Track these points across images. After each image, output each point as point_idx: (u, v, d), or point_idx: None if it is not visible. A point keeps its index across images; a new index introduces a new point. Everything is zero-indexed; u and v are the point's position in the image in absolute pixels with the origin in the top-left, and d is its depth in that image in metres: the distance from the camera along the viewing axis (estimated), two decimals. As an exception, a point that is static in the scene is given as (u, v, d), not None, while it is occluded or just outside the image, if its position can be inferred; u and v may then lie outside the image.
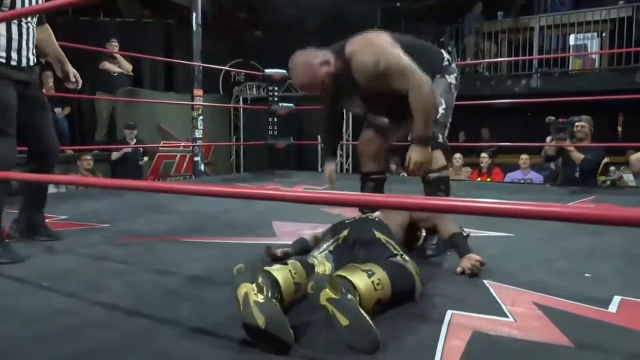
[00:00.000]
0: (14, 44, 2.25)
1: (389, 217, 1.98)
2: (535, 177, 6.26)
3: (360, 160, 2.44)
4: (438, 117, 2.12)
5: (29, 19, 2.34)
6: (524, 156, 6.23)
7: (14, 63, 2.25)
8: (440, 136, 2.15)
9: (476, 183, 6.03)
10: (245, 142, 8.25)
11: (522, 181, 6.19)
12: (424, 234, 2.23)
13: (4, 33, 2.22)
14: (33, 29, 2.37)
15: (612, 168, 5.86)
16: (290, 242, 2.11)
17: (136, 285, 1.79)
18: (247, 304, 1.24)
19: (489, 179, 6.53)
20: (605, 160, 5.97)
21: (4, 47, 2.22)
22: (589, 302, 1.54)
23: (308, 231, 2.25)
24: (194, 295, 1.67)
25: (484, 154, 6.80)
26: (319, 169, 7.97)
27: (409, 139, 2.11)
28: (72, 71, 2.62)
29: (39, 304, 1.61)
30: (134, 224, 2.93)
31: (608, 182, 5.85)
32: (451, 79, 2.19)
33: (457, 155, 7.09)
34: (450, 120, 2.21)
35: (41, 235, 2.48)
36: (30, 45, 2.35)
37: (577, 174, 4.51)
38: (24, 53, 2.30)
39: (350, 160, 8.01)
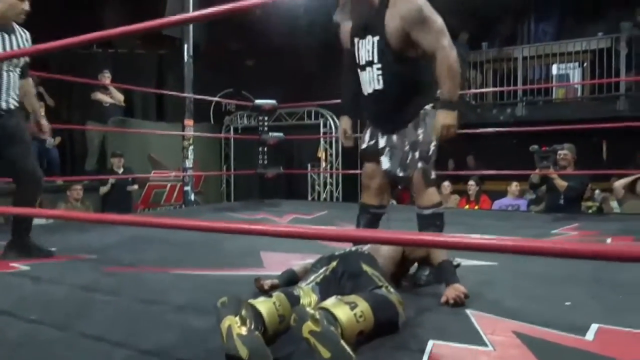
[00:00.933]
0: None
1: (381, 248, 2.03)
2: (522, 202, 6.36)
3: (362, 190, 2.47)
4: (430, 153, 2.16)
5: (10, 67, 2.62)
6: (515, 184, 6.34)
7: None
8: (433, 173, 2.20)
9: (465, 211, 6.10)
10: (235, 172, 8.30)
11: (509, 207, 6.27)
12: (416, 265, 2.27)
13: None
14: (14, 77, 2.67)
15: (597, 191, 5.96)
16: (279, 273, 2.14)
17: (122, 315, 1.80)
18: (231, 337, 1.27)
19: (476, 207, 6.61)
20: (590, 185, 6.09)
21: None
22: (567, 330, 1.58)
23: (296, 261, 2.28)
24: (180, 326, 1.69)
25: (471, 182, 6.89)
26: (309, 198, 8.03)
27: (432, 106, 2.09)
28: (45, 124, 2.92)
29: (26, 334, 1.62)
30: (122, 255, 2.94)
31: (594, 209, 5.94)
32: None
33: (446, 183, 7.18)
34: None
35: (35, 253, 2.69)
36: (11, 92, 2.64)
37: (561, 201, 4.60)
38: (3, 98, 2.59)
39: (340, 187, 8.07)
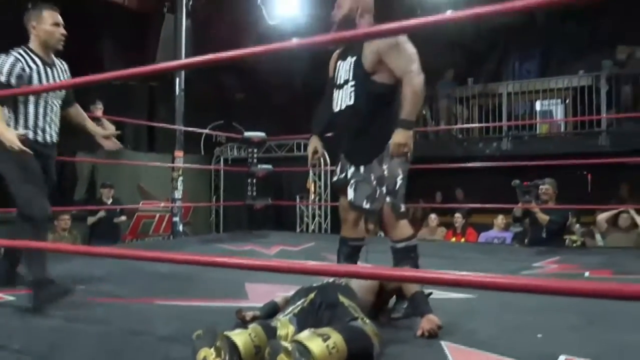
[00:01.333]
0: (40, 123, 2.57)
1: (360, 280, 2.09)
2: (507, 235, 6.45)
3: (342, 223, 2.53)
4: (397, 187, 2.23)
5: (54, 100, 2.65)
6: (501, 217, 6.44)
7: (40, 140, 2.57)
8: (402, 206, 2.27)
9: (450, 243, 6.18)
10: (224, 203, 8.35)
11: (495, 240, 6.35)
12: (394, 298, 2.32)
13: (32, 112, 2.55)
14: (57, 109, 2.70)
15: (577, 226, 6.06)
16: (261, 305, 2.18)
17: (105, 346, 1.84)
18: None
19: (463, 239, 6.69)
20: (573, 220, 6.21)
21: (32, 126, 2.55)
22: (536, 360, 1.64)
23: (280, 293, 2.32)
24: (162, 356, 1.73)
25: (457, 214, 6.99)
26: (298, 229, 8.07)
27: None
28: (107, 129, 2.86)
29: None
30: (107, 285, 2.97)
31: (578, 243, 6.03)
32: None
33: (432, 216, 7.28)
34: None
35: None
36: (53, 126, 2.66)
37: (544, 234, 4.69)
38: (47, 131, 2.62)
39: (329, 219, 8.12)
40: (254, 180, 6.10)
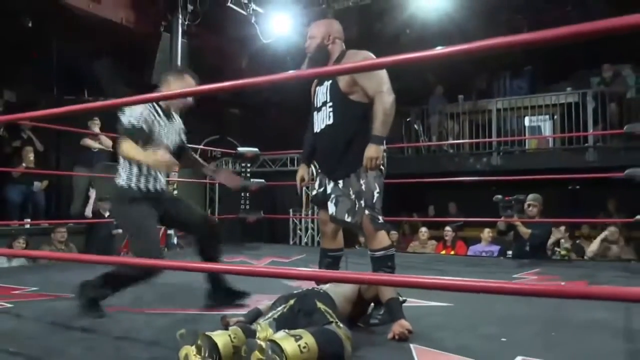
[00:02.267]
0: (152, 171, 2.65)
1: (339, 288, 2.23)
2: (496, 249, 6.57)
3: (321, 235, 2.69)
4: (374, 201, 2.36)
5: (169, 147, 2.73)
6: (487, 230, 6.58)
7: (152, 190, 2.65)
8: (380, 218, 2.41)
9: (439, 256, 6.30)
10: (218, 216, 8.46)
11: (484, 253, 6.48)
12: (372, 305, 2.45)
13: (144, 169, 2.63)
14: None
15: (562, 241, 6.20)
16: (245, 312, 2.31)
17: (94, 351, 1.96)
18: None
19: (452, 252, 6.82)
20: (566, 235, 6.37)
21: (146, 172, 2.63)
22: (494, 361, 1.77)
23: (265, 302, 2.45)
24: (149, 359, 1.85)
25: (448, 228, 7.14)
26: (291, 242, 8.20)
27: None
28: (227, 174, 3.07)
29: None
30: (101, 295, 3.08)
31: (567, 258, 6.14)
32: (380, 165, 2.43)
33: (423, 229, 7.43)
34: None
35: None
36: (161, 176, 2.73)
37: (527, 248, 4.82)
38: (159, 178, 2.70)
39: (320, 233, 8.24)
40: (247, 194, 6.24)
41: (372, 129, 2.31)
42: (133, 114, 2.54)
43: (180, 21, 6.77)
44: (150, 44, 6.87)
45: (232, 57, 8.28)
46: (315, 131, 2.54)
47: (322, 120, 2.49)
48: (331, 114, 2.44)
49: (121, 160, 2.63)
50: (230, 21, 7.51)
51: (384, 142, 2.39)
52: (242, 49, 8.11)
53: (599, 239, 5.65)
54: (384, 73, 2.35)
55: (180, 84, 2.66)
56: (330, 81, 2.44)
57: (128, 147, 2.49)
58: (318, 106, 2.52)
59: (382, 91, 2.31)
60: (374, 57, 2.32)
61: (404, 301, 2.29)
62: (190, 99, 2.78)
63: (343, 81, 2.38)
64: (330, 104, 2.44)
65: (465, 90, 9.44)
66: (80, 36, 7.22)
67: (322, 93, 2.50)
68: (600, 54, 7.92)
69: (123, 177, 2.62)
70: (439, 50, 1.29)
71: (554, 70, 9.17)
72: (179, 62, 6.59)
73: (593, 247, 5.65)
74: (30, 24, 6.99)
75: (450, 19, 7.70)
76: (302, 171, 2.67)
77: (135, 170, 2.61)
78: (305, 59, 2.54)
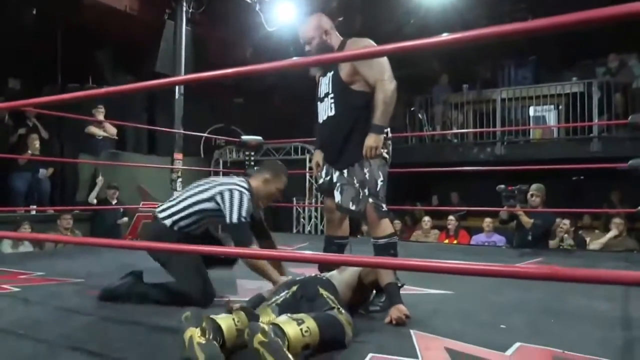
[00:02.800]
0: None
1: (340, 275, 2.26)
2: (499, 239, 6.58)
3: (326, 223, 2.72)
4: (378, 189, 2.39)
5: None
6: (488, 220, 6.58)
7: None
8: (384, 206, 2.43)
9: (442, 245, 6.33)
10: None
11: (486, 244, 6.50)
12: (374, 293, 2.48)
13: None
14: None
15: (565, 236, 6.18)
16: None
17: (100, 332, 2.00)
18: (191, 345, 1.48)
19: (455, 241, 6.85)
20: (571, 229, 6.36)
21: None
22: (493, 347, 1.80)
23: (268, 288, 2.49)
24: (150, 343, 1.89)
25: (451, 217, 7.16)
26: (294, 230, 8.23)
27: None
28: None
29: (15, 348, 1.81)
30: (106, 280, 3.11)
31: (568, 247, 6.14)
32: (385, 153, 2.45)
33: (426, 218, 7.44)
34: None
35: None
36: None
37: (529, 237, 4.84)
38: None
39: (324, 221, 8.27)
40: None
41: (372, 117, 2.32)
42: (248, 209, 2.53)
43: (184, 9, 6.76)
44: (154, 32, 6.86)
45: (236, 45, 8.26)
46: (318, 122, 2.56)
47: (324, 111, 2.51)
48: (333, 105, 2.45)
49: None
50: (235, 9, 7.49)
51: (387, 131, 2.40)
52: (246, 37, 8.09)
53: (607, 237, 5.65)
54: (384, 61, 2.35)
55: (277, 184, 2.76)
56: (332, 72, 2.44)
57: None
58: (321, 97, 2.54)
59: (383, 79, 2.32)
60: (375, 44, 2.34)
61: (402, 286, 2.32)
62: (277, 195, 2.85)
63: (344, 71, 2.39)
64: (332, 95, 2.46)
65: (469, 80, 9.40)
66: (84, 24, 7.22)
67: (324, 84, 2.51)
68: (606, 43, 7.87)
69: None
70: (442, 37, 1.30)
71: (559, 60, 9.12)
72: (182, 51, 6.58)
73: (599, 242, 5.66)
74: (34, 12, 7.00)
75: (453, 9, 7.67)
76: (317, 157, 2.65)
77: None
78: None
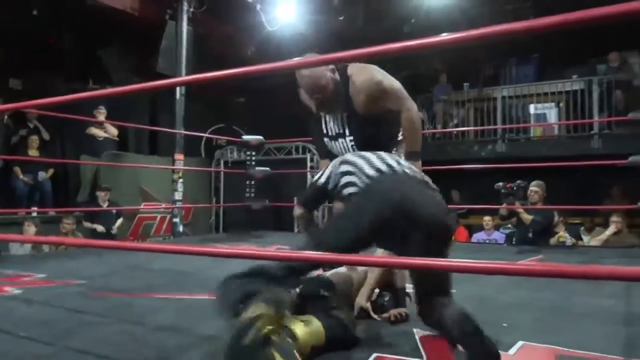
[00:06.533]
0: None
1: (343, 275, 2.28)
2: (499, 237, 6.60)
3: None
4: None
5: None
6: (487, 218, 6.59)
7: None
8: None
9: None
10: (224, 204, 8.52)
11: (486, 241, 6.51)
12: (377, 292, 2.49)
13: None
14: None
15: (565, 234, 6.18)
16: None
17: (106, 334, 2.00)
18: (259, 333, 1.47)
19: (454, 238, 6.84)
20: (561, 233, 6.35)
21: None
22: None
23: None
24: (158, 344, 1.89)
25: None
26: (295, 230, 8.23)
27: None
28: None
29: (18, 349, 1.82)
30: (110, 281, 3.14)
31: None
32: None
33: (427, 217, 7.42)
34: None
35: None
36: None
37: (530, 234, 4.85)
38: None
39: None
40: (252, 182, 6.27)
41: (403, 145, 2.30)
42: None
43: (185, 8, 6.76)
44: (155, 32, 6.87)
45: (238, 45, 8.27)
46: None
47: (342, 150, 2.39)
48: (353, 146, 2.35)
49: None
50: (236, 9, 7.49)
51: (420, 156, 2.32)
52: (248, 36, 8.09)
53: (606, 234, 5.64)
54: (398, 85, 2.25)
55: None
56: (346, 113, 2.30)
57: None
58: (332, 135, 2.42)
59: (407, 108, 2.24)
60: (380, 70, 2.26)
61: (409, 295, 2.32)
62: None
63: (361, 108, 2.25)
64: (351, 137, 2.35)
65: (471, 78, 9.41)
66: (85, 24, 7.23)
67: (335, 124, 2.38)
68: (608, 41, 7.86)
69: None
70: (444, 37, 1.30)
71: (560, 57, 9.11)
72: (184, 50, 6.58)
73: (599, 239, 5.65)
74: (35, 12, 7.00)
75: (456, 7, 7.67)
76: (325, 165, 2.55)
77: None
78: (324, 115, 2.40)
